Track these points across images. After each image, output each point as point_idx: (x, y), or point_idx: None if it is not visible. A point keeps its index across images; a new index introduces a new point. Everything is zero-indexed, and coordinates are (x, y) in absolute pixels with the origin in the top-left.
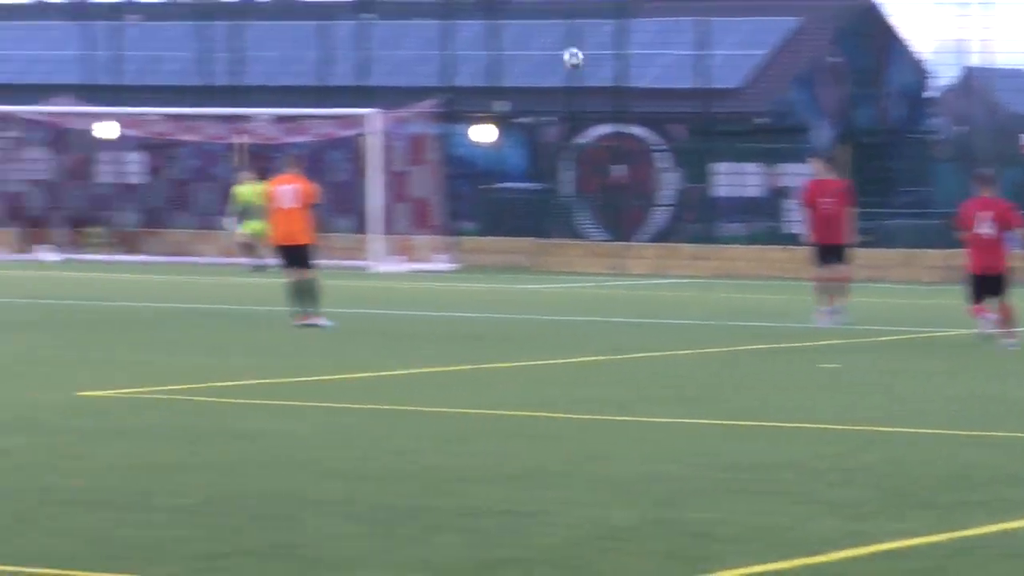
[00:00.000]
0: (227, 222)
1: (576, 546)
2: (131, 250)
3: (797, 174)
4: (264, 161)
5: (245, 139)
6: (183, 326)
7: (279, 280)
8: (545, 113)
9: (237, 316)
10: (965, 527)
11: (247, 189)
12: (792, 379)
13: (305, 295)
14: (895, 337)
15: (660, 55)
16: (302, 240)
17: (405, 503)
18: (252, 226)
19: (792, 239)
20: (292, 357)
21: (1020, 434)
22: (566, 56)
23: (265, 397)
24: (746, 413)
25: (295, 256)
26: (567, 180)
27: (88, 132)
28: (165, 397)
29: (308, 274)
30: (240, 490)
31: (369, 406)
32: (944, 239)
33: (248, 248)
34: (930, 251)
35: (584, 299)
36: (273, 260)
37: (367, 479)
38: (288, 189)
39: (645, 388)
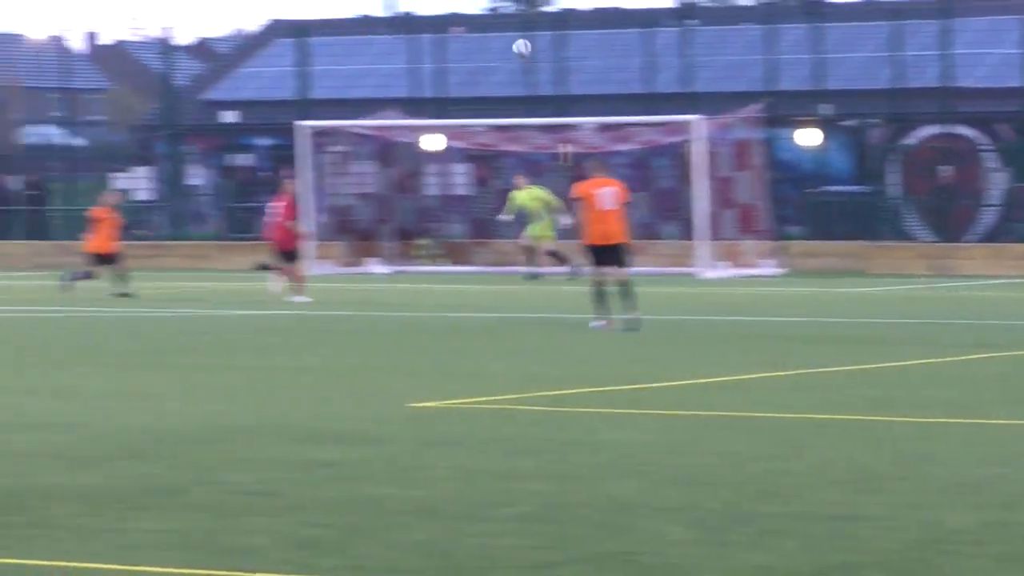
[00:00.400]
0: (503, 220)
1: (911, 550)
2: (458, 261)
3: None
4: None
5: (570, 148)
6: (510, 335)
7: (583, 286)
8: (870, 115)
9: (561, 324)
10: None
11: (523, 194)
12: None
13: (625, 295)
14: None
15: (987, 54)
16: (621, 239)
17: (739, 509)
18: (533, 231)
19: None
20: (619, 364)
21: None
22: (515, 47)
23: (596, 405)
24: None
25: (613, 255)
26: (893, 182)
27: (415, 145)
28: (497, 407)
29: (626, 274)
30: (576, 498)
31: (700, 412)
32: None
33: (529, 252)
34: None
35: (910, 301)
36: (547, 269)
37: (701, 485)
38: (608, 191)
39: (982, 390)
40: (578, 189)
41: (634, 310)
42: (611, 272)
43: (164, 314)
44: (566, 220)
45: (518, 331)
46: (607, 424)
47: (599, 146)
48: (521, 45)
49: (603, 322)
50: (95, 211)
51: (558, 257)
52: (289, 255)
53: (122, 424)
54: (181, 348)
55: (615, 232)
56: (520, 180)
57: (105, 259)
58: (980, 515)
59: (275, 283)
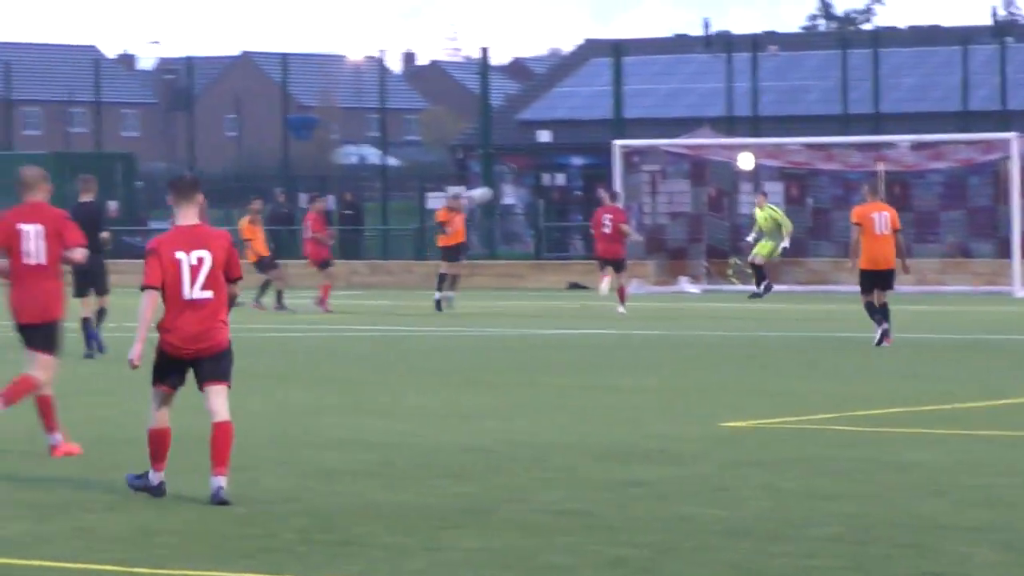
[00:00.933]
0: (750, 239)
1: None
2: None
3: None
4: (901, 188)
5: (884, 167)
6: (818, 354)
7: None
8: None
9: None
10: None
11: (762, 213)
12: None
13: (884, 316)
14: None
15: None
16: (892, 265)
17: None
18: (761, 249)
19: None
20: (925, 383)
21: None
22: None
23: (901, 425)
24: None
25: (884, 280)
26: None
27: (728, 164)
28: (805, 427)
29: (885, 298)
30: (882, 519)
31: (1006, 433)
32: None
33: (757, 270)
34: None
35: None
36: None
37: (1006, 506)
38: (883, 216)
39: None
40: (856, 213)
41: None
42: (878, 296)
43: (477, 333)
44: (786, 243)
45: (825, 350)
46: (912, 444)
47: (914, 164)
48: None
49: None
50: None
51: (759, 275)
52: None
53: (438, 443)
54: (495, 366)
55: (887, 257)
56: (760, 199)
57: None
58: None
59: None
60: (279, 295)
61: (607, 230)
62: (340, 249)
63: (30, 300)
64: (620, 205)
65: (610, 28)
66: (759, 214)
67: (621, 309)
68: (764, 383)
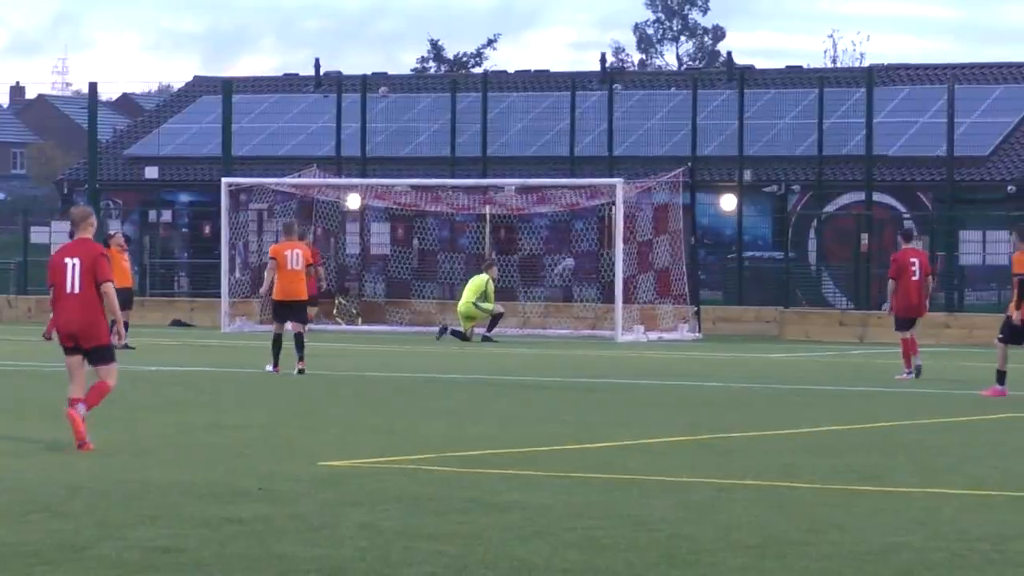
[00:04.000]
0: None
1: None
2: (374, 320)
3: None
4: (507, 231)
5: (491, 209)
6: (426, 394)
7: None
8: (791, 182)
9: (478, 384)
10: None
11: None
12: None
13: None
14: None
15: (908, 123)
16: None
17: (642, 573)
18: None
19: None
20: (531, 425)
21: None
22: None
23: (505, 466)
24: (990, 483)
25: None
26: (813, 248)
27: (336, 203)
28: (406, 467)
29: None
30: (481, 560)
31: (609, 476)
32: None
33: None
34: None
35: (827, 367)
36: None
37: (604, 548)
38: (295, 253)
39: (890, 457)
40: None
41: None
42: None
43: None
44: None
45: (434, 390)
46: (515, 486)
47: (520, 208)
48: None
49: None
50: None
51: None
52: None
53: (33, 479)
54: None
55: (297, 289)
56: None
57: None
58: None
59: None
60: None
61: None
62: None
63: (84, 326)
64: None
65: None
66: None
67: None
68: (367, 422)
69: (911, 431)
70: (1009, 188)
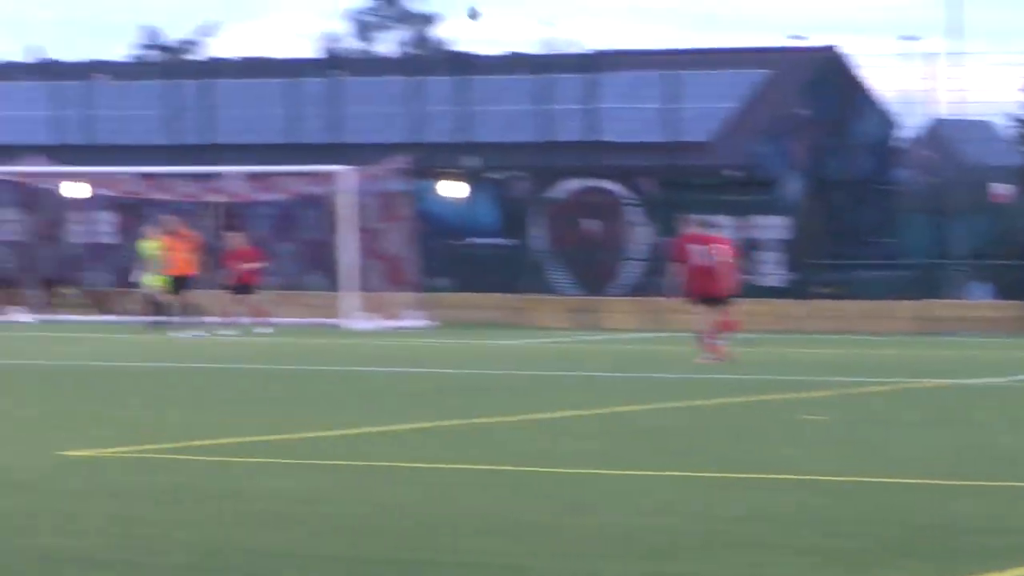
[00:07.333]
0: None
1: None
2: (103, 310)
3: (768, 226)
4: (235, 219)
5: (217, 197)
6: (157, 384)
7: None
8: (515, 168)
9: (213, 372)
10: (959, 575)
11: (154, 244)
12: (778, 431)
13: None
14: (873, 388)
15: (630, 109)
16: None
17: (397, 558)
18: (157, 280)
19: (766, 292)
20: (270, 414)
21: (1005, 483)
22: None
23: (249, 455)
24: (734, 465)
25: None
26: (539, 235)
27: (58, 192)
28: (149, 456)
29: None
30: (228, 546)
31: (356, 463)
32: (914, 290)
33: (150, 301)
34: (900, 303)
35: (559, 354)
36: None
37: (357, 534)
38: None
39: (630, 441)
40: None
41: None
42: None
43: None
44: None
45: (164, 380)
46: (261, 474)
47: (246, 195)
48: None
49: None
50: None
51: (158, 307)
52: None
53: None
54: None
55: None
56: (149, 230)
57: None
58: (637, 565)
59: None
60: None
61: None
62: None
63: None
64: None
65: None
66: (148, 245)
67: None
68: (107, 412)
69: (648, 416)
70: (728, 173)
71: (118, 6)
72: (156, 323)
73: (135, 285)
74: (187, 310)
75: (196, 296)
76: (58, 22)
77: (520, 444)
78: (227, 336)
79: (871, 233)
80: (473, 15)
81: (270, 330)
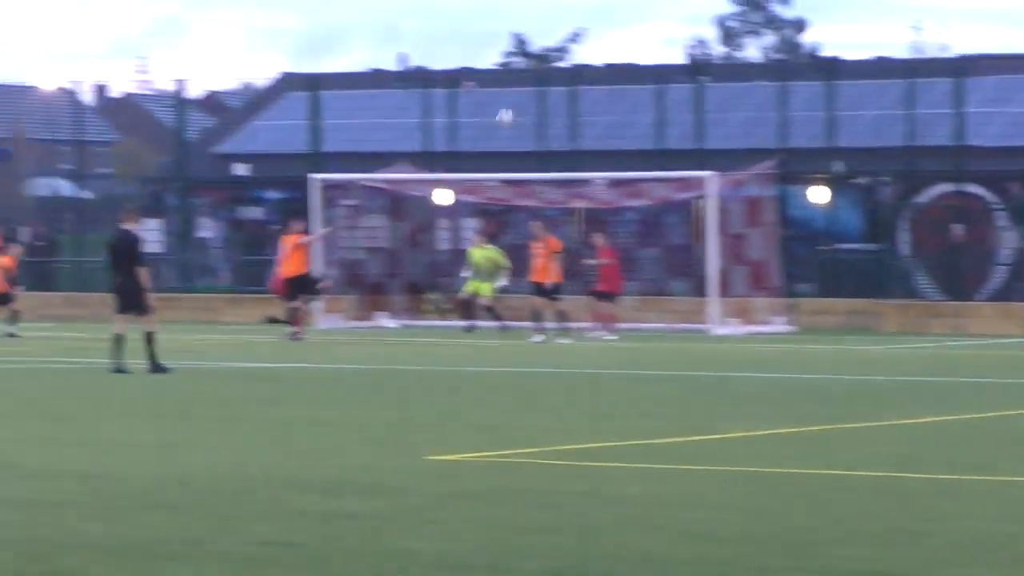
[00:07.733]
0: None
1: None
2: (467, 316)
3: None
4: (596, 224)
5: (582, 203)
6: (522, 389)
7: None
8: (881, 173)
9: (572, 378)
10: None
11: (478, 252)
12: None
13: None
14: None
15: (998, 113)
16: None
17: (762, 563)
18: (470, 286)
19: None
20: (634, 418)
21: None
22: (498, 117)
23: (614, 459)
24: None
25: None
26: (904, 240)
27: (426, 199)
28: (515, 460)
29: None
30: (600, 552)
31: (719, 468)
32: None
33: (466, 305)
34: None
35: (924, 359)
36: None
37: (721, 540)
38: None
39: (996, 449)
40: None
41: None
42: None
43: (177, 366)
44: (504, 282)
45: (529, 385)
46: (625, 478)
47: (611, 201)
48: (503, 114)
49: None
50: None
51: (494, 313)
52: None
53: (143, 474)
54: (198, 399)
55: None
56: (476, 238)
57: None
58: (1003, 571)
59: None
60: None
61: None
62: (33, 281)
63: None
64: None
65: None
66: (477, 254)
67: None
68: (469, 417)
69: (1014, 423)
70: None
71: (489, 14)
72: (469, 328)
73: (503, 291)
74: (557, 316)
75: (562, 303)
76: (427, 32)
77: (881, 449)
78: (590, 342)
79: None
80: (505, 120)
81: (615, 337)
